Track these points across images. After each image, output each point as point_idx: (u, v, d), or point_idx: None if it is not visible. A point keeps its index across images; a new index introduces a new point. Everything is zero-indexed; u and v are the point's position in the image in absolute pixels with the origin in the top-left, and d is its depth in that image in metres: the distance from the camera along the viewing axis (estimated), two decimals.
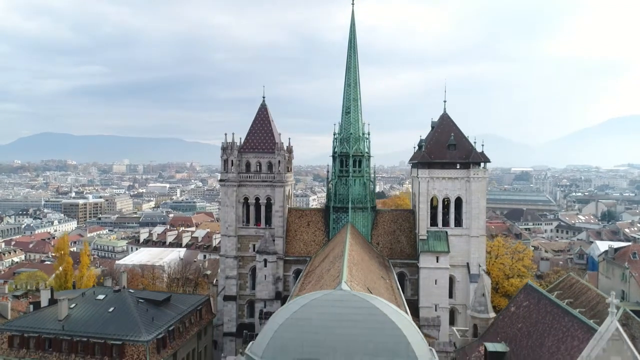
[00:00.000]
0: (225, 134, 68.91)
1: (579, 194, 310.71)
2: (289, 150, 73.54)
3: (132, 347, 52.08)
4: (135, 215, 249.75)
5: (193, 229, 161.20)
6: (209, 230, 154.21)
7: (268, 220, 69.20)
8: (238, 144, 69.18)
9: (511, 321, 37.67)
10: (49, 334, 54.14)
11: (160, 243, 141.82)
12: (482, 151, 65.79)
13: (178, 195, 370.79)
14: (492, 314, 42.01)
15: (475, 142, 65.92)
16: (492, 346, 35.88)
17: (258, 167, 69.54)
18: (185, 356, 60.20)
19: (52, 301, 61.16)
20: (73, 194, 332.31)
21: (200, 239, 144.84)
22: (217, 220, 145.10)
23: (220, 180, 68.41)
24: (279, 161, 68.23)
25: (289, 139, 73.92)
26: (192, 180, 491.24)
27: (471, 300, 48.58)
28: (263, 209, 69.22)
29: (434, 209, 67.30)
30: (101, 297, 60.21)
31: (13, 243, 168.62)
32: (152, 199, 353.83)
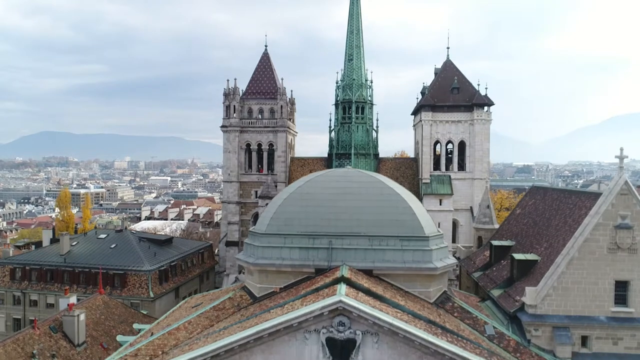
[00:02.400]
0: (228, 80, 68.63)
1: (581, 180, 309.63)
2: (292, 102, 73.28)
3: (134, 277, 51.81)
4: (136, 202, 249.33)
5: (195, 206, 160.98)
6: (210, 207, 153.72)
7: (270, 167, 68.87)
8: (241, 89, 68.85)
9: (517, 222, 37.26)
10: (51, 266, 53.92)
11: (162, 220, 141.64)
12: (486, 94, 65.34)
13: (179, 187, 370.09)
14: (497, 225, 41.63)
15: (479, 85, 65.49)
16: (497, 242, 35.49)
17: (260, 113, 69.19)
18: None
19: (54, 241, 60.94)
20: (74, 185, 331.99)
21: (202, 216, 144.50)
22: (220, 202, 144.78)
23: (222, 126, 67.95)
24: (281, 106, 67.83)
25: (292, 91, 73.66)
26: (194, 175, 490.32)
27: (475, 214, 48.19)
28: (265, 155, 68.88)
29: (436, 156, 66.97)
30: (103, 236, 60.05)
31: (15, 224, 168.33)
32: (153, 191, 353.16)
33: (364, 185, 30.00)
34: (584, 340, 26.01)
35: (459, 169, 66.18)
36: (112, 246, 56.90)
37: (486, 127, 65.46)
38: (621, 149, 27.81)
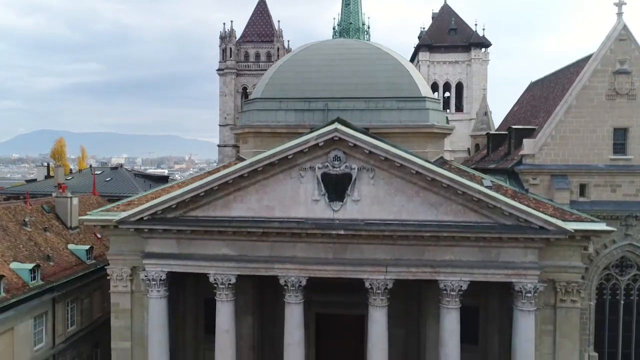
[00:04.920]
0: (224, 23, 68.18)
1: None
2: (289, 50, 73.02)
3: None
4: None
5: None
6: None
7: None
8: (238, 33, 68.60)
9: (515, 117, 36.98)
10: (45, 195, 53.29)
11: None
12: (484, 35, 65.08)
13: (178, 177, 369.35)
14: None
15: (476, 25, 65.26)
16: (494, 132, 35.19)
17: (257, 57, 68.85)
18: None
19: (49, 177, 60.40)
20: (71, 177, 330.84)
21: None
22: None
23: (219, 70, 67.67)
24: (278, 49, 67.55)
25: (289, 41, 73.38)
26: (191, 169, 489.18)
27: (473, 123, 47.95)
28: None
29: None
30: (98, 172, 59.56)
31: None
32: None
33: (360, 52, 29.70)
34: (582, 189, 25.73)
35: (456, 111, 65.83)
36: (108, 179, 56.50)
37: (484, 68, 65.12)
38: None
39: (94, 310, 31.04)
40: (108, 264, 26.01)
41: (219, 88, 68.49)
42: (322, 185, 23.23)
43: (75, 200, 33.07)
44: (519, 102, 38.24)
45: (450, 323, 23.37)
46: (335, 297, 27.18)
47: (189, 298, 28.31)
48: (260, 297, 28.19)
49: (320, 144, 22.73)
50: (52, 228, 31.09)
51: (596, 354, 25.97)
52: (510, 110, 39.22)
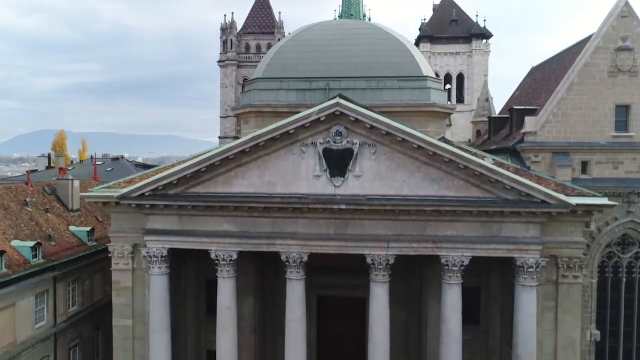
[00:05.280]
0: (225, 15, 68.28)
1: None
2: None
3: None
4: None
5: None
6: None
7: None
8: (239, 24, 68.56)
9: (516, 102, 36.88)
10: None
11: None
12: (485, 26, 65.09)
13: None
14: None
15: (477, 16, 65.27)
16: (495, 115, 35.14)
17: (258, 49, 68.83)
18: None
19: (49, 168, 60.43)
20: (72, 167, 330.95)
21: None
22: None
23: (219, 61, 67.66)
24: (279, 40, 67.42)
25: (289, 33, 73.28)
26: None
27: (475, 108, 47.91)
28: None
29: None
30: (99, 162, 59.65)
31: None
32: None
33: (361, 32, 29.70)
34: (584, 167, 25.69)
35: (457, 102, 65.80)
36: (109, 169, 56.60)
37: (485, 59, 65.19)
38: None
39: (94, 292, 31.03)
40: (109, 246, 25.93)
41: (219, 79, 68.48)
42: (324, 161, 23.18)
43: (76, 183, 33.08)
44: (520, 87, 38.22)
45: (452, 298, 23.32)
46: (337, 280, 27.20)
47: (191, 278, 28.30)
48: (261, 278, 28.16)
49: (321, 119, 22.68)
50: (53, 209, 31.08)
51: (598, 332, 25.92)
52: (512, 96, 39.19)
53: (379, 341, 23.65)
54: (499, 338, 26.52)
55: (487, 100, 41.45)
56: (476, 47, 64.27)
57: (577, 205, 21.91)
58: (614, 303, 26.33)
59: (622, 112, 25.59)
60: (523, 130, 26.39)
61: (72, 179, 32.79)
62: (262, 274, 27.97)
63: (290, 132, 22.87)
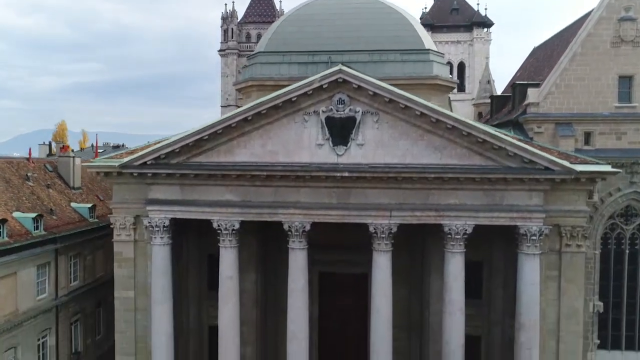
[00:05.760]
0: (225, 4, 68.21)
1: None
2: None
3: None
4: None
5: None
6: None
7: None
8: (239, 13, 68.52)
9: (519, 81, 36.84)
10: None
11: None
12: (486, 14, 65.07)
13: None
14: None
15: (478, 4, 65.25)
16: (497, 94, 35.08)
17: (258, 38, 68.75)
18: None
19: (50, 156, 60.35)
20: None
21: None
22: None
23: (220, 50, 67.63)
24: None
25: None
26: None
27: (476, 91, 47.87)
28: None
29: None
30: (100, 150, 59.61)
31: None
32: None
33: (363, 5, 29.60)
34: (587, 138, 25.64)
35: (458, 91, 65.61)
36: None
37: (486, 47, 65.15)
38: None
39: (96, 269, 30.98)
40: (110, 224, 25.76)
41: (220, 69, 68.43)
42: (326, 130, 23.10)
43: (78, 160, 33.08)
44: (522, 67, 38.17)
45: (455, 267, 23.25)
46: (338, 256, 27.11)
47: (192, 253, 28.22)
48: (264, 253, 28.09)
49: (324, 86, 22.60)
50: (54, 186, 31.04)
51: (601, 303, 25.86)
52: (514, 76, 39.13)
53: (382, 311, 23.60)
54: (501, 311, 26.41)
55: (488, 82, 41.43)
56: (477, 35, 64.23)
57: (581, 172, 21.80)
58: (617, 275, 26.28)
59: (625, 83, 25.54)
60: (526, 102, 26.33)
61: (73, 157, 32.81)
62: (264, 248, 27.90)
63: (293, 100, 22.81)
